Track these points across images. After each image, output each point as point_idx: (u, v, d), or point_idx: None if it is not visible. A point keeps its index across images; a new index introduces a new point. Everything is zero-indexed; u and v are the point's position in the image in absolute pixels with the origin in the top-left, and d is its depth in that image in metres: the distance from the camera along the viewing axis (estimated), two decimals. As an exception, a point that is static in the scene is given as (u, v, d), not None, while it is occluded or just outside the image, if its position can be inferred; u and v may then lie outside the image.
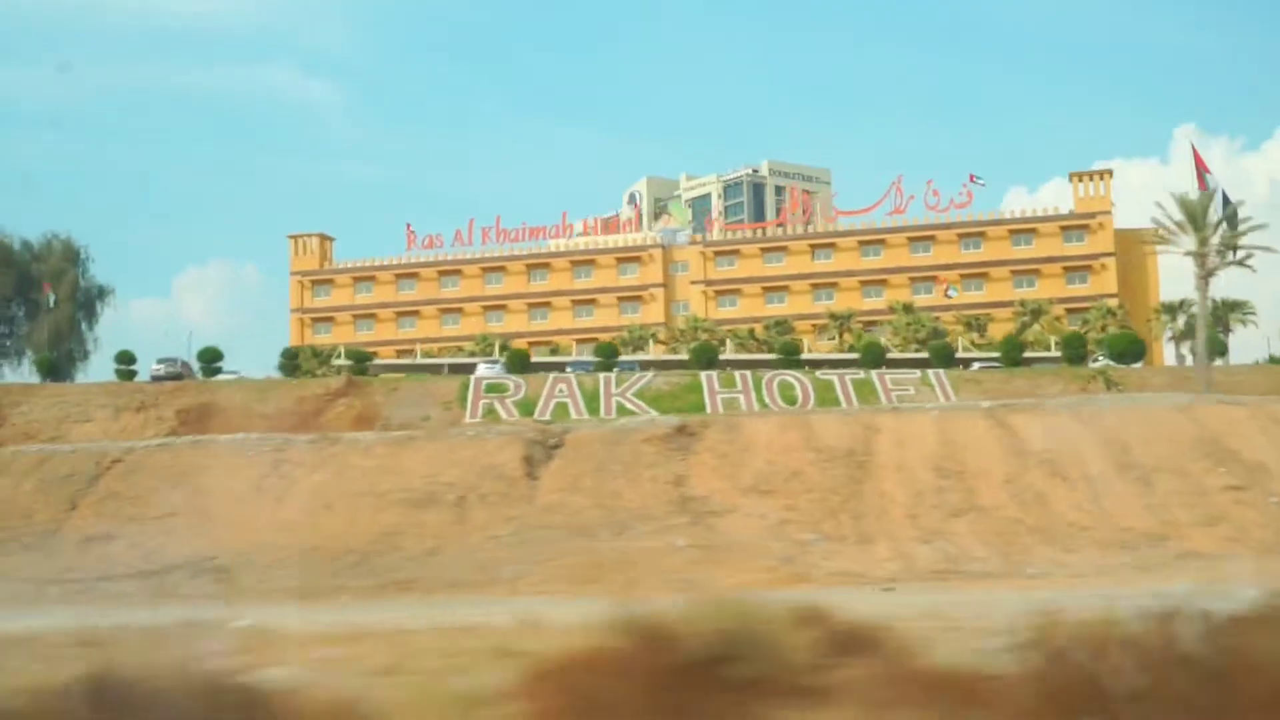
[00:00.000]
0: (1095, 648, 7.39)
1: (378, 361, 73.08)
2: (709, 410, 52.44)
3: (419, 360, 76.62)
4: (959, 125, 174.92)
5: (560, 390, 56.53)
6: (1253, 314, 74.71)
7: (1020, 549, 25.17)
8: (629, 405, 54.66)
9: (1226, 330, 72.95)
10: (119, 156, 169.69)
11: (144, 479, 31.80)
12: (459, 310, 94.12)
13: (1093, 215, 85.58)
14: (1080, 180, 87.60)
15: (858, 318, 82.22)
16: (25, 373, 71.10)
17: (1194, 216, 46.15)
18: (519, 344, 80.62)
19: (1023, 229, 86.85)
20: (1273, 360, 66.54)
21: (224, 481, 31.34)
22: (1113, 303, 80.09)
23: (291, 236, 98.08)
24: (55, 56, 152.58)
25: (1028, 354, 65.79)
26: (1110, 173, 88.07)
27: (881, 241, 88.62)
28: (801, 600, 8.38)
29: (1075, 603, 11.63)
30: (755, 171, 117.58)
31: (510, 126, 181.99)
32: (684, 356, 70.80)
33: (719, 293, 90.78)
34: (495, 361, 65.43)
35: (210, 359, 63.36)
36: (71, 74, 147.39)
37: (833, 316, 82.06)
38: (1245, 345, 76.55)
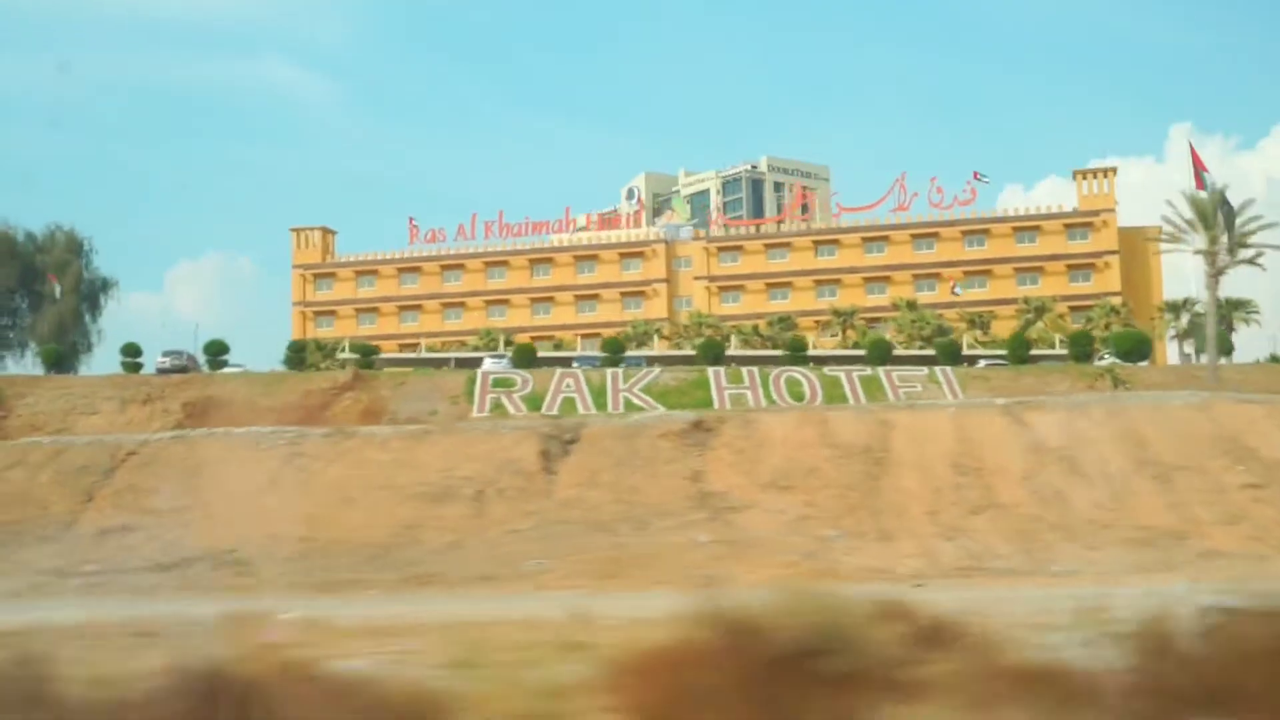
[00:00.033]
0: (1182, 643, 7.40)
1: (383, 355, 72.98)
2: (716, 406, 52.36)
3: (424, 354, 76.56)
4: (954, 123, 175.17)
5: (567, 385, 56.43)
6: (1256, 312, 74.92)
7: (1042, 546, 25.19)
8: (636, 401, 54.61)
9: (1230, 329, 73.07)
10: (112, 149, 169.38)
11: (160, 471, 31.73)
12: (461, 305, 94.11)
13: (1096, 213, 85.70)
14: (1084, 178, 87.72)
15: (861, 314, 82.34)
16: (29, 364, 71.01)
17: (1204, 215, 46.20)
18: (521, 339, 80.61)
19: (1026, 227, 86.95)
20: (1274, 359, 66.74)
21: (240, 474, 31.30)
22: (1116, 301, 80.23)
23: (294, 230, 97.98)
24: (49, 48, 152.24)
25: (1033, 352, 65.77)
26: (1114, 170, 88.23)
27: (885, 238, 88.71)
28: (878, 595, 8.35)
29: (1120, 600, 11.67)
30: (754, 168, 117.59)
31: (508, 122, 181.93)
32: (689, 352, 70.81)
33: (722, 288, 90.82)
34: (501, 356, 65.33)
35: (216, 352, 63.23)
36: (61, 61, 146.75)
37: (836, 313, 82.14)
38: (1247, 344, 76.84)
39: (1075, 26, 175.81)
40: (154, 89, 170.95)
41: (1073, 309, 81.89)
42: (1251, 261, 48.16)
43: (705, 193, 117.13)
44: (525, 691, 7.63)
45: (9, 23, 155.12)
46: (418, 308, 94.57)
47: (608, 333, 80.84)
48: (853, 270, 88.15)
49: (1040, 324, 78.03)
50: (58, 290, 68.88)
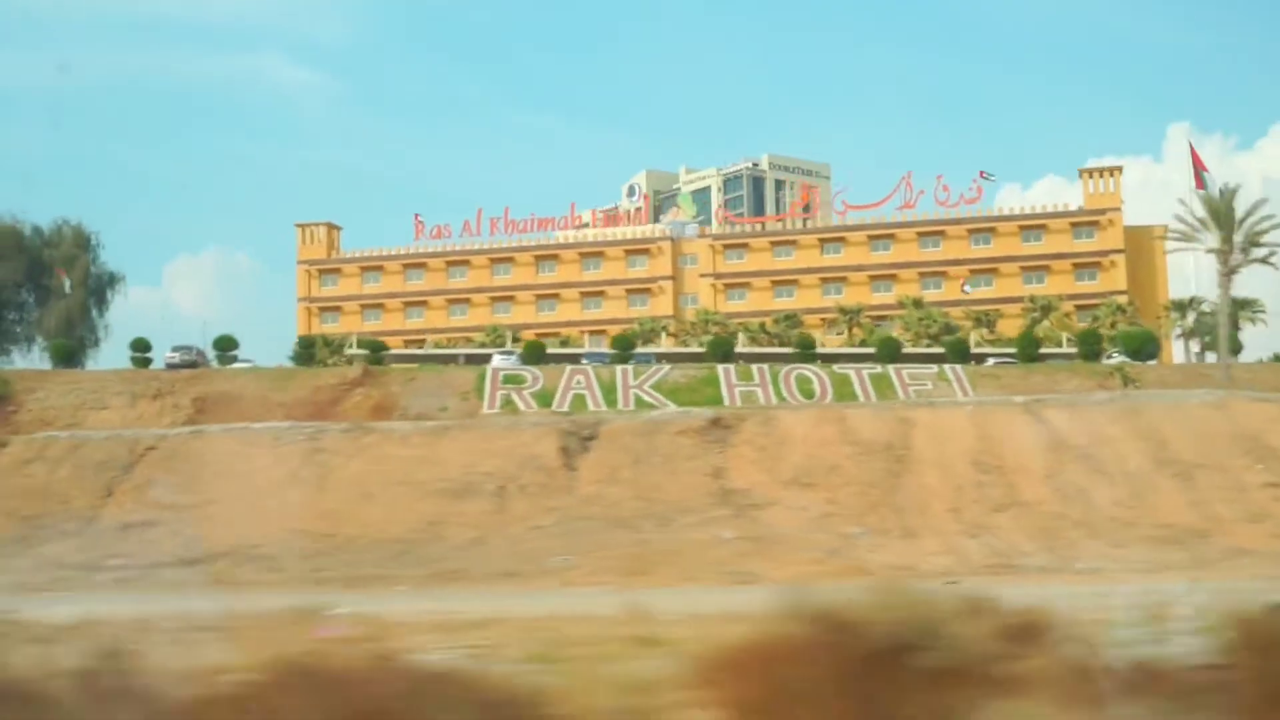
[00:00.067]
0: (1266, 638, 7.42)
1: (390, 352, 72.93)
2: (727, 403, 52.37)
3: (431, 351, 76.54)
4: (952, 122, 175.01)
5: (578, 382, 56.43)
6: (1262, 312, 75.07)
7: (1066, 544, 25.25)
8: (646, 398, 54.62)
9: (1236, 328, 73.17)
10: (110, 145, 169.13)
11: (179, 466, 31.72)
12: (466, 301, 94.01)
13: (1102, 212, 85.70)
14: (1089, 177, 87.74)
15: (866, 312, 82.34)
16: (35, 359, 70.86)
17: (1217, 214, 46.26)
18: (527, 335, 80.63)
19: (1032, 225, 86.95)
20: (1276, 359, 66.86)
21: (260, 470, 31.32)
22: (1122, 299, 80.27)
23: (299, 225, 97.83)
24: (47, 43, 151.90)
25: (1042, 350, 65.82)
26: (1119, 169, 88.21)
27: (891, 236, 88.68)
28: (962, 590, 8.37)
29: (1169, 596, 11.69)
30: (755, 165, 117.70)
31: (508, 120, 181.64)
32: (696, 349, 70.83)
33: (728, 285, 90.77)
34: (510, 353, 65.33)
35: (225, 347, 63.18)
36: (58, 60, 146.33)
37: (842, 311, 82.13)
38: (1252, 343, 76.96)
39: (1073, 26, 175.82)
40: (153, 85, 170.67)
41: (1078, 308, 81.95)
42: (1264, 261, 48.26)
43: (706, 190, 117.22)
44: (617, 686, 7.64)
45: (7, 19, 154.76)
46: (423, 304, 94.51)
47: (613, 330, 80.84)
48: (859, 268, 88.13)
49: (1046, 322, 78.11)
50: (67, 285, 68.78)
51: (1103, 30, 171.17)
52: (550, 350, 67.81)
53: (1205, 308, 77.01)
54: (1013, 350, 65.13)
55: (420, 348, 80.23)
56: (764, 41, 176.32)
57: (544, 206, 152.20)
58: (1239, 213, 46.31)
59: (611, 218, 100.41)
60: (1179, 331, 77.31)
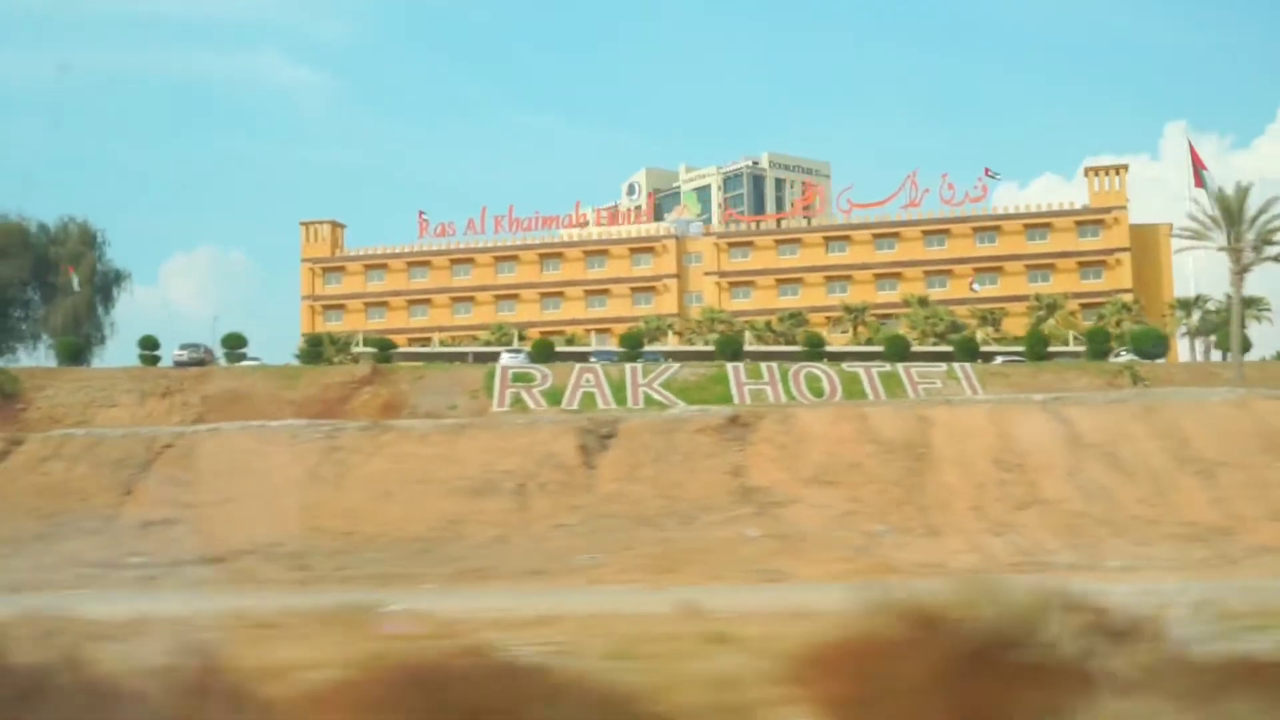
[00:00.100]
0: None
1: (399, 350, 72.89)
2: (736, 401, 52.35)
3: (438, 349, 76.49)
4: (949, 121, 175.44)
5: (587, 380, 56.45)
6: (1268, 310, 75.16)
7: (1091, 542, 25.20)
8: (656, 396, 54.65)
9: (1242, 325, 73.22)
10: (109, 143, 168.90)
11: (197, 464, 31.65)
12: (471, 299, 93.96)
13: (1108, 210, 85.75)
14: (1095, 175, 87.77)
15: (872, 310, 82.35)
16: (41, 356, 70.83)
17: (1230, 212, 46.31)
18: (532, 333, 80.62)
19: (1037, 224, 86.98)
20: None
21: (279, 467, 31.25)
22: (1127, 298, 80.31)
23: (303, 223, 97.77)
24: (45, 41, 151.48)
25: (1050, 349, 65.85)
26: (1125, 168, 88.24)
27: (896, 234, 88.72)
28: (1045, 586, 8.33)
29: (1216, 594, 11.67)
30: (755, 164, 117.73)
31: (508, 119, 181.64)
32: (701, 347, 70.83)
33: (732, 284, 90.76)
34: (519, 351, 65.36)
35: (234, 345, 63.16)
36: (56, 58, 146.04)
37: (847, 309, 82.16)
38: (1258, 341, 76.99)
39: (1069, 25, 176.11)
40: (150, 83, 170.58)
41: (1083, 306, 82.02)
42: (1278, 259, 48.29)
43: (706, 188, 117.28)
44: (707, 683, 7.62)
45: (7, 19, 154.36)
46: (427, 302, 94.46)
47: (618, 328, 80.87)
48: (864, 266, 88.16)
49: (1051, 321, 78.14)
50: (75, 282, 68.66)
51: (1099, 29, 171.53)
52: (558, 349, 67.80)
53: (1210, 306, 77.17)
54: (1020, 349, 65.18)
55: (425, 346, 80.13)
56: (764, 41, 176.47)
57: (544, 205, 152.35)
58: (1250, 210, 46.40)
59: (611, 216, 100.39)
60: (1184, 330, 77.39)
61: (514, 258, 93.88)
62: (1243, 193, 46.88)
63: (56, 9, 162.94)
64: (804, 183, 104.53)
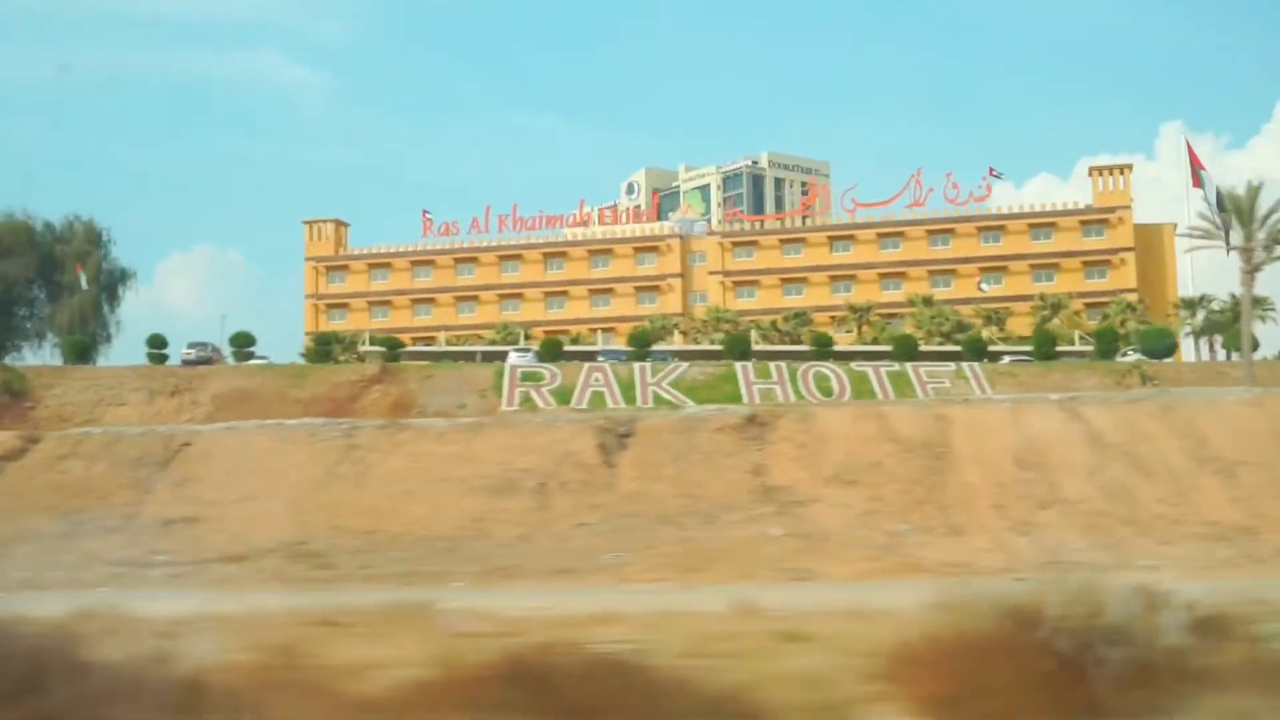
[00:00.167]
0: None
1: (407, 349, 72.86)
2: (745, 400, 52.36)
3: (444, 348, 76.44)
4: (946, 121, 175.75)
5: (596, 379, 56.43)
6: (1272, 309, 75.37)
7: (1115, 541, 25.18)
8: (665, 395, 54.63)
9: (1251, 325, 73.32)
10: (108, 142, 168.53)
11: (216, 462, 31.62)
12: (475, 298, 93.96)
13: (1112, 210, 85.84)
14: (1099, 175, 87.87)
15: (876, 310, 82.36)
16: (47, 354, 70.74)
17: (1241, 212, 46.37)
18: (536, 333, 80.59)
19: (1042, 223, 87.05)
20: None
21: (297, 466, 31.23)
22: (1132, 298, 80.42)
23: (306, 222, 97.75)
24: (38, 38, 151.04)
25: (1057, 348, 65.90)
26: (1129, 167, 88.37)
27: (900, 234, 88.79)
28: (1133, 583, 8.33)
29: (1259, 593, 11.67)
30: (755, 163, 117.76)
31: (508, 119, 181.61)
32: (707, 346, 70.80)
33: (736, 283, 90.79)
34: (527, 350, 65.34)
35: (242, 344, 63.08)
36: (56, 58, 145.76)
37: (852, 309, 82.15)
38: (1262, 341, 77.06)
39: (1065, 25, 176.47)
40: (150, 83, 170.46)
41: (1088, 305, 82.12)
42: (1290, 258, 48.40)
43: (706, 188, 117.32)
44: (793, 681, 7.60)
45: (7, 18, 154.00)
46: (431, 301, 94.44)
47: (622, 327, 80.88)
48: (868, 266, 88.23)
49: (1056, 320, 78.21)
50: (84, 280, 68.53)
51: (1095, 29, 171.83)
52: (565, 348, 67.79)
53: (1214, 306, 77.31)
54: (1026, 348, 65.21)
55: (430, 345, 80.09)
56: (763, 41, 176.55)
57: (544, 205, 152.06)
58: (1261, 210, 46.44)
59: (613, 215, 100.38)
60: (1187, 330, 77.52)
61: (518, 257, 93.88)
62: (1254, 192, 46.93)
63: (56, 9, 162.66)
64: (810, 182, 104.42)
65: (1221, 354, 70.73)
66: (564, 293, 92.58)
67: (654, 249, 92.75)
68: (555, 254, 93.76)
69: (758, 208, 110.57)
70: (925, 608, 8.66)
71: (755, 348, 67.89)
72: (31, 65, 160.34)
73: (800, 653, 8.59)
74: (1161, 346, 60.03)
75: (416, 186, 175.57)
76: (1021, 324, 77.56)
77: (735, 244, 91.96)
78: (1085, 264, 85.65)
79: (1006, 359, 62.90)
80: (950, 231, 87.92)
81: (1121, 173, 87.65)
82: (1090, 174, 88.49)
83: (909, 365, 58.33)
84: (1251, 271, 47.07)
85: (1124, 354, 62.04)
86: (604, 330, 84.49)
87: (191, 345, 61.67)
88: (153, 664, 7.28)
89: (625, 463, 30.75)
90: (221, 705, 6.75)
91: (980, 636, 7.34)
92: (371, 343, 71.74)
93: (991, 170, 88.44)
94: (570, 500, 28.86)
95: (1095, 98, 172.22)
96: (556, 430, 32.46)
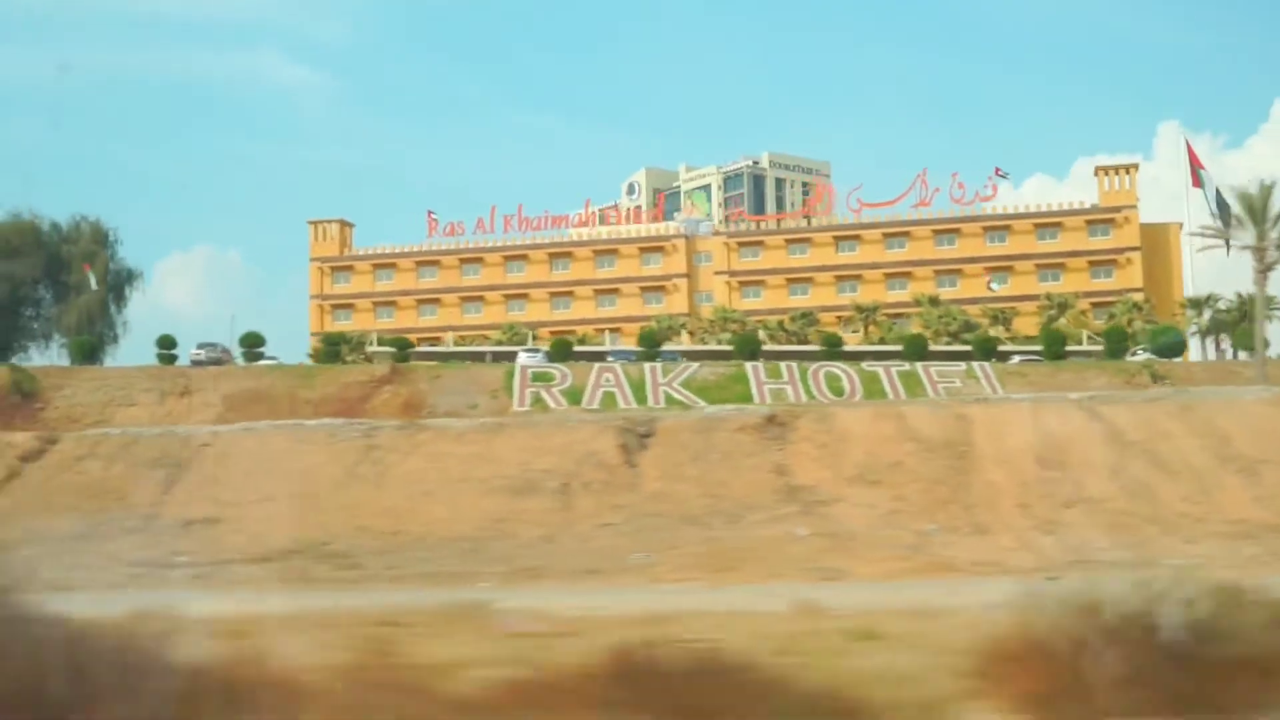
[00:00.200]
0: None
1: (417, 349, 72.81)
2: (756, 400, 52.30)
3: (452, 348, 76.41)
4: (945, 121, 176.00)
5: (606, 380, 56.34)
6: (1278, 309, 75.20)
7: (1140, 540, 25.13)
8: (676, 395, 54.57)
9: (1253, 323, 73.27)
10: (107, 142, 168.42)
11: (235, 463, 31.55)
12: (480, 299, 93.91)
13: (1118, 209, 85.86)
14: (1105, 174, 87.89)
15: (883, 310, 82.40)
16: (53, 355, 70.62)
17: (1253, 211, 46.37)
18: (542, 333, 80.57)
19: (1048, 223, 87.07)
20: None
21: (316, 466, 31.17)
22: (1138, 297, 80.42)
23: (311, 222, 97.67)
24: (38, 37, 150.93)
25: (1067, 348, 65.89)
26: (1135, 166, 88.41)
27: (906, 234, 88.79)
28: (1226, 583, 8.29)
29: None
30: (755, 163, 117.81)
31: (508, 119, 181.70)
32: (714, 346, 70.77)
33: (742, 283, 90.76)
34: (536, 350, 65.29)
35: (252, 344, 63.02)
36: (56, 58, 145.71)
37: (858, 308, 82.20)
38: (1270, 340, 77.07)
39: (1063, 25, 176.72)
40: (150, 83, 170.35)
41: (1094, 305, 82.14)
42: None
43: (707, 188, 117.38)
44: (882, 679, 7.55)
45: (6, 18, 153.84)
46: (436, 301, 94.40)
47: (628, 327, 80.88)
48: (874, 266, 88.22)
49: (1063, 320, 78.22)
50: (92, 281, 68.45)
51: (1093, 29, 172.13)
52: (575, 348, 67.76)
53: (1221, 305, 77.28)
54: (1035, 348, 65.21)
55: (436, 345, 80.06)
56: (763, 41, 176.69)
57: (545, 205, 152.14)
58: (1274, 209, 46.44)
59: (616, 215, 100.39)
60: (1194, 329, 77.51)
61: (523, 257, 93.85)
62: (1266, 191, 46.93)
63: (56, 9, 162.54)
64: (815, 183, 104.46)
65: (1229, 353, 70.75)
66: (569, 293, 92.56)
67: (659, 249, 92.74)
68: (560, 254, 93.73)
69: (758, 208, 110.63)
70: (988, 606, 8.61)
71: (764, 348, 67.86)
72: (31, 65, 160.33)
73: (878, 651, 8.55)
74: (1171, 346, 60.00)
75: (417, 186, 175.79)
76: (1027, 324, 77.59)
77: (741, 244, 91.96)
78: (1091, 263, 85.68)
79: (1016, 359, 62.88)
80: (956, 231, 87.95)
81: (1127, 172, 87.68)
82: (1095, 173, 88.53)
83: (919, 365, 58.28)
84: (1264, 270, 47.07)
85: (1134, 353, 62.04)
86: (610, 330, 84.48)
87: (201, 345, 61.64)
88: (242, 665, 7.22)
89: (647, 463, 30.71)
90: (334, 706, 6.69)
91: (1064, 634, 7.30)
92: (380, 343, 71.67)
93: (998, 170, 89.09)
94: (593, 500, 28.82)
95: (1093, 97, 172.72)
96: (577, 430, 32.43)
